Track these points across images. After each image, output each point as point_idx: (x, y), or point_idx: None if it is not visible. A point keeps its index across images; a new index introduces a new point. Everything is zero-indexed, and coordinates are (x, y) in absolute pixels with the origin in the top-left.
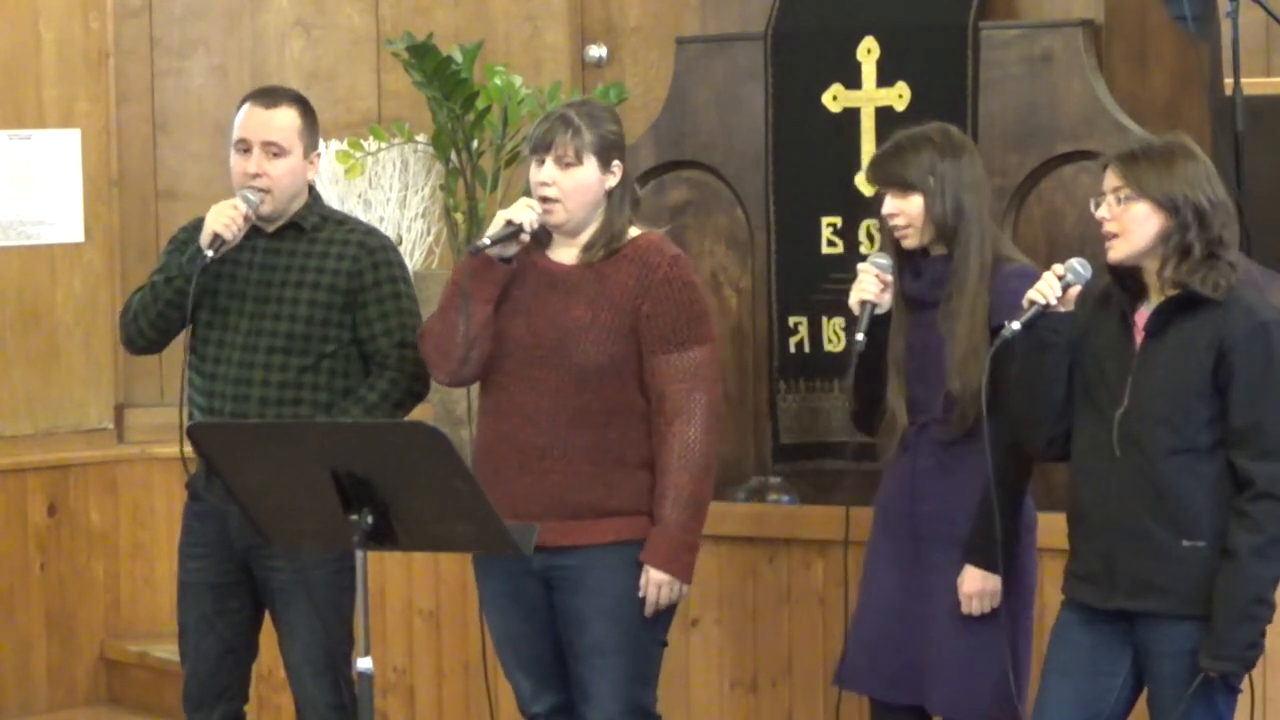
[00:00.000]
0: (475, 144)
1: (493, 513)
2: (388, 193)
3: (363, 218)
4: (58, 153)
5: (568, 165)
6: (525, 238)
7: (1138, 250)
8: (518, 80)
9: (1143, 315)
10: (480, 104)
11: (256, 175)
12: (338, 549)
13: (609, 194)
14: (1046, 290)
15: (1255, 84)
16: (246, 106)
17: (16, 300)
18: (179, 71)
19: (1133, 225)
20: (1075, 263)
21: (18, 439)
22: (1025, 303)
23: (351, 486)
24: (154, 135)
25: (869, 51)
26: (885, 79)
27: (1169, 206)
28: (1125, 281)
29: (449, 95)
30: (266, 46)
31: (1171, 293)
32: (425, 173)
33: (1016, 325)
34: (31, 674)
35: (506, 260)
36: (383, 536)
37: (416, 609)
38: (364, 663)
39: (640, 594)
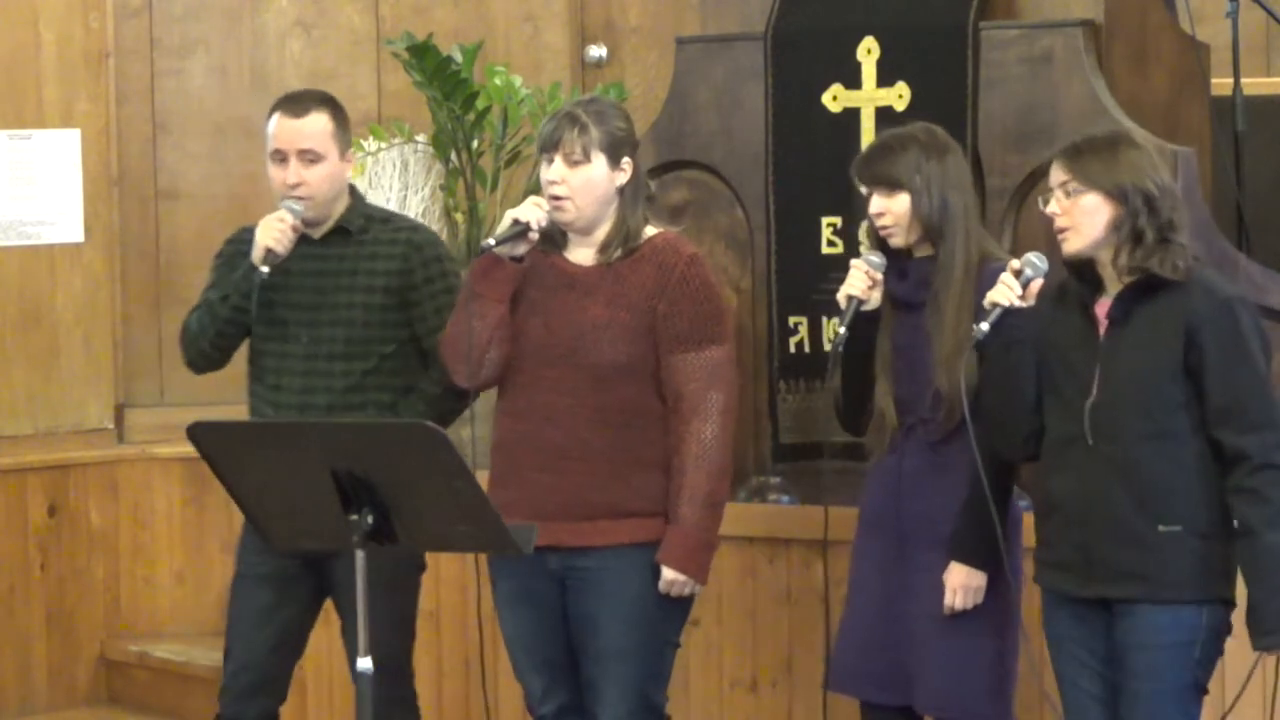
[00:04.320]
0: (475, 144)
1: (493, 513)
2: (388, 193)
3: None
4: (58, 153)
5: (576, 163)
6: (534, 235)
7: (1091, 241)
8: (518, 80)
9: (1103, 305)
10: (480, 104)
11: (296, 184)
12: (337, 548)
13: (620, 191)
14: (1006, 291)
15: (1255, 84)
16: (276, 116)
17: (17, 300)
18: (179, 71)
19: (1083, 218)
20: (1032, 256)
21: (18, 439)
22: (987, 304)
23: (351, 486)
24: (154, 135)
25: (869, 51)
26: (885, 79)
27: (1118, 195)
28: (1082, 274)
29: (449, 95)
30: (266, 46)
31: (1129, 279)
32: (425, 173)
33: (985, 326)
34: (31, 674)
35: (518, 259)
36: (383, 536)
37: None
38: (364, 663)
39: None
